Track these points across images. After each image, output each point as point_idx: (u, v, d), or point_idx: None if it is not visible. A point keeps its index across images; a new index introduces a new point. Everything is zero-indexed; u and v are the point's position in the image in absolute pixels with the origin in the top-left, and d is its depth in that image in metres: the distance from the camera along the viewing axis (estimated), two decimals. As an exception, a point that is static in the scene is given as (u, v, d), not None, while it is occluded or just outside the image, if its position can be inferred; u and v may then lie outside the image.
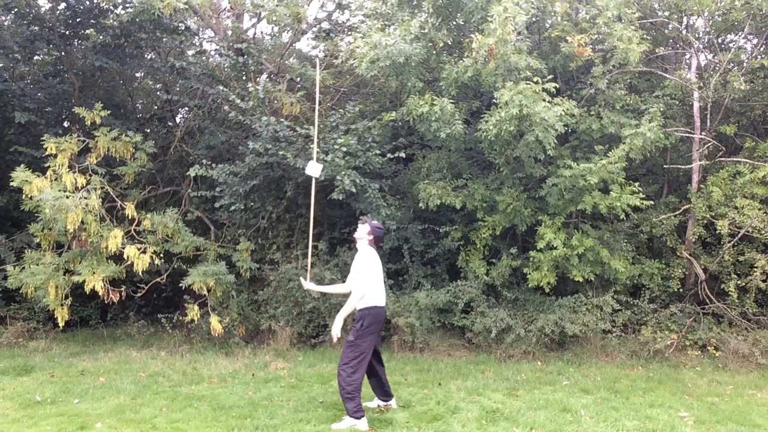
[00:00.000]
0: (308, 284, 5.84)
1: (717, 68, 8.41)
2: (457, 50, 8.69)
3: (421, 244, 8.49)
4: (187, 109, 11.01)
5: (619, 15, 7.64)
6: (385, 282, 6.17)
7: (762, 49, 8.75)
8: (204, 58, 11.17)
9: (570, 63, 7.86)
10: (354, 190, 7.81)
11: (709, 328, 7.83)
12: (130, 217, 8.31)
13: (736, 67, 8.77)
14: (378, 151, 8.21)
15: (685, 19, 8.79)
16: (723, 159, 8.27)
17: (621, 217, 7.72)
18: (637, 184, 7.63)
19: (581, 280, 7.64)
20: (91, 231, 7.78)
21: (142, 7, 8.31)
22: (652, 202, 7.89)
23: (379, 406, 5.56)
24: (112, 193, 8.44)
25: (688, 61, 9.08)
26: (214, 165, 8.54)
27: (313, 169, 6.37)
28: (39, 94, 9.92)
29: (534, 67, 7.32)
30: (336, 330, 5.19)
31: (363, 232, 5.41)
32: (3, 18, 10.26)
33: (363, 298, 5.22)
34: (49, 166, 8.05)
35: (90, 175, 8.29)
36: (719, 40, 9.25)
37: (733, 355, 7.46)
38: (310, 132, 8.00)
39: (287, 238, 8.93)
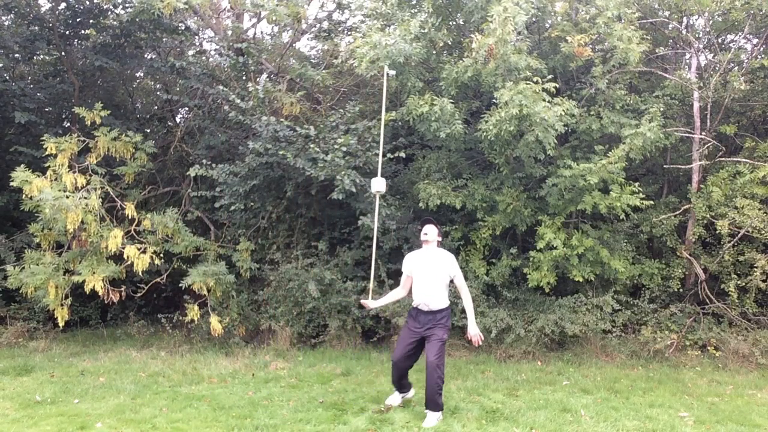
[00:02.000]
0: (371, 302, 5.85)
1: (717, 68, 8.41)
2: (457, 50, 8.69)
3: (421, 244, 8.47)
4: (187, 109, 11.01)
5: (619, 15, 7.64)
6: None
7: (762, 49, 8.74)
8: (204, 58, 11.17)
9: (570, 63, 7.86)
10: (354, 190, 7.81)
11: (709, 328, 7.83)
12: (130, 217, 8.31)
13: (736, 67, 8.77)
14: (378, 151, 8.20)
15: (685, 19, 8.78)
16: (723, 159, 8.27)
17: (621, 217, 7.72)
18: (637, 184, 7.63)
19: (581, 280, 7.63)
20: (91, 231, 7.78)
21: (142, 7, 8.31)
22: (652, 202, 7.89)
23: (404, 398, 5.71)
24: (112, 193, 8.44)
25: (688, 61, 9.08)
26: (214, 165, 8.54)
27: (379, 185, 6.32)
28: (39, 94, 9.91)
29: (534, 67, 7.32)
30: (477, 330, 5.42)
31: (435, 234, 5.51)
32: (3, 18, 10.25)
33: (445, 299, 5.40)
34: (49, 166, 8.05)
35: (90, 175, 8.29)
36: (719, 40, 9.25)
37: (733, 355, 7.46)
38: (311, 132, 8.00)
39: (287, 238, 8.93)
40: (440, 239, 5.63)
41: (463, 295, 5.48)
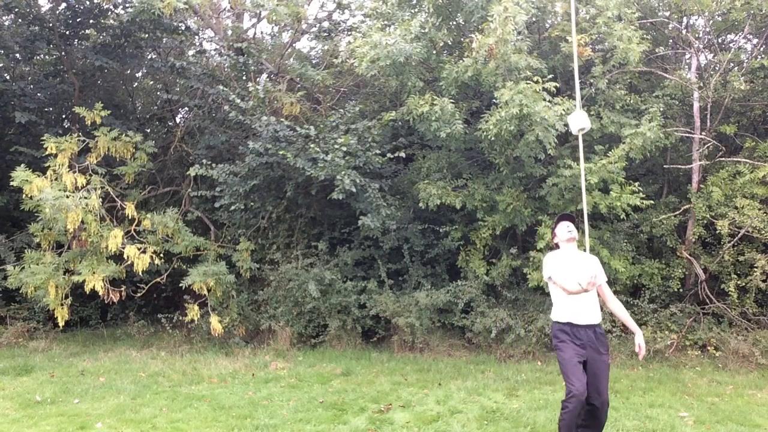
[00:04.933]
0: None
1: (717, 68, 8.41)
2: (457, 50, 8.69)
3: (421, 244, 8.48)
4: (187, 109, 11.02)
5: (619, 15, 7.64)
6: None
7: (762, 49, 8.74)
8: (204, 58, 11.17)
9: (570, 63, 7.85)
10: (354, 190, 7.81)
11: (709, 328, 7.83)
12: (130, 217, 8.31)
13: (736, 67, 8.76)
14: (378, 151, 8.21)
15: (685, 19, 8.78)
16: (723, 159, 8.26)
17: (621, 217, 7.71)
18: (637, 184, 7.62)
19: (581, 280, 7.62)
20: (91, 231, 7.79)
21: (142, 7, 8.32)
22: (652, 202, 7.89)
23: None
24: (112, 193, 8.44)
25: (688, 61, 9.07)
26: (214, 165, 8.54)
27: (581, 121, 5.00)
28: (39, 94, 9.92)
29: (534, 67, 7.32)
30: (642, 339, 4.56)
31: (576, 231, 4.61)
32: (3, 18, 10.26)
33: (599, 309, 4.46)
34: (49, 166, 8.06)
35: (90, 175, 8.30)
36: (719, 40, 9.24)
37: (733, 355, 7.45)
38: (311, 132, 8.00)
39: (287, 238, 8.93)
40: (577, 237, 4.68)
41: (615, 304, 4.60)
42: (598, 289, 4.46)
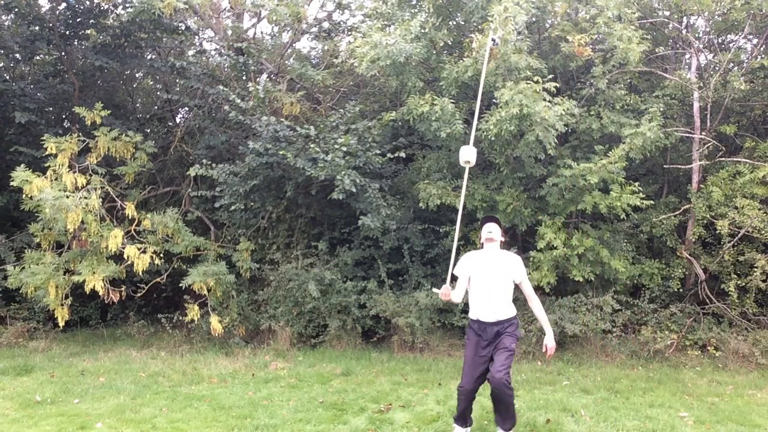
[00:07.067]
0: (448, 292, 4.80)
1: (717, 68, 8.41)
2: (457, 50, 8.69)
3: (421, 244, 8.49)
4: (187, 109, 11.02)
5: (619, 15, 7.64)
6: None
7: (762, 49, 8.74)
8: (204, 58, 11.18)
9: (570, 63, 7.86)
10: (354, 190, 7.81)
11: (709, 328, 7.83)
12: (130, 217, 8.32)
13: (736, 67, 8.76)
14: (378, 151, 8.21)
15: (685, 19, 8.79)
16: (723, 159, 8.27)
17: (621, 217, 7.72)
18: (637, 184, 7.63)
19: (581, 280, 7.63)
20: (91, 231, 7.79)
21: (142, 7, 8.33)
22: (652, 202, 7.89)
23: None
24: (112, 193, 8.44)
25: (688, 61, 9.07)
26: (214, 165, 8.54)
27: (468, 154, 5.04)
28: (39, 94, 9.91)
29: (534, 67, 7.32)
30: (554, 342, 4.79)
31: (499, 233, 4.84)
32: (3, 18, 10.26)
33: (512, 307, 4.81)
34: (49, 166, 8.06)
35: (90, 175, 8.30)
36: (719, 40, 9.25)
37: (733, 355, 7.45)
38: (311, 132, 8.00)
39: (287, 238, 8.93)
40: (504, 239, 4.95)
41: (534, 303, 4.89)
42: (519, 287, 4.86)
